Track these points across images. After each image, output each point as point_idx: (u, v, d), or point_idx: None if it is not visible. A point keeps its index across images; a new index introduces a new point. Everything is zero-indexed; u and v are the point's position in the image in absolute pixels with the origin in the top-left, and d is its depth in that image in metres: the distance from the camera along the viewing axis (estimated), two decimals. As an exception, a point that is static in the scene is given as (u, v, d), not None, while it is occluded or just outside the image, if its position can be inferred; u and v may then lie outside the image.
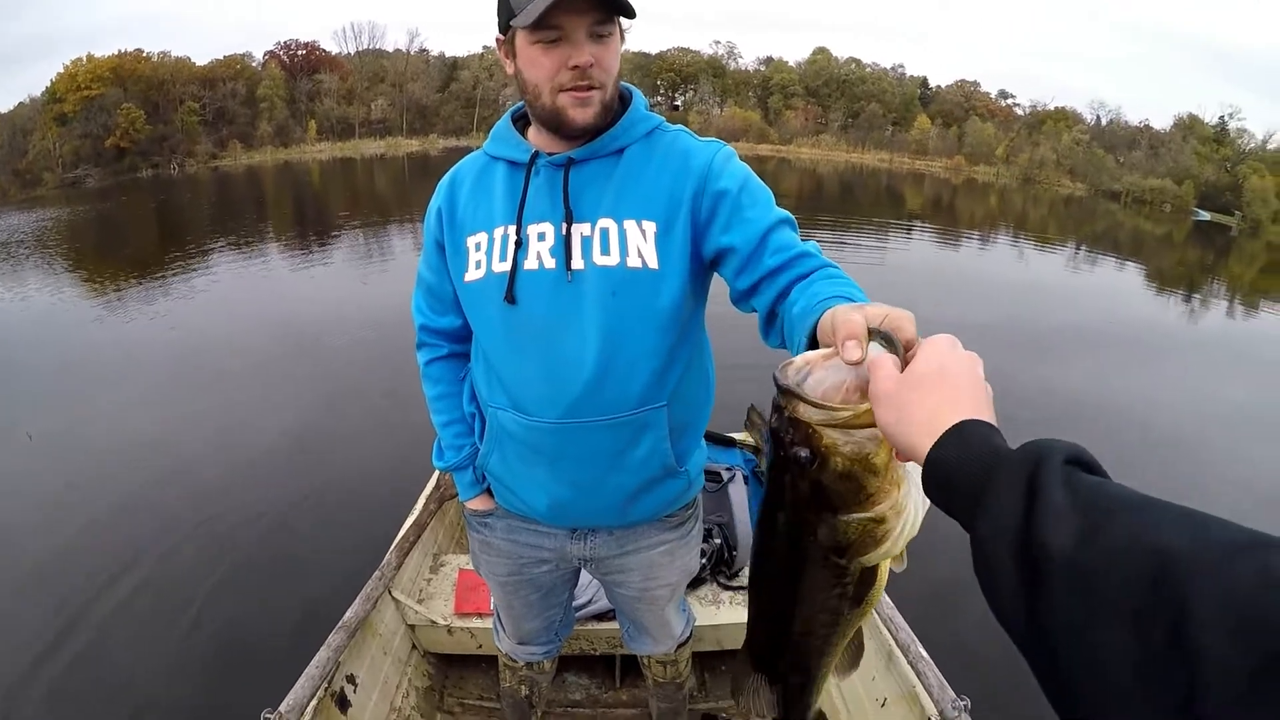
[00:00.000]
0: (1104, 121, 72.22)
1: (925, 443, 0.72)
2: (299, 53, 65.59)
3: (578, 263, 1.51)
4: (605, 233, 1.51)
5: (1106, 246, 28.47)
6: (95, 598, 4.43)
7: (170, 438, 6.63)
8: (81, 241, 20.70)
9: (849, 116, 75.90)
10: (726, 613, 3.01)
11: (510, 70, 1.51)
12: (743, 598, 3.06)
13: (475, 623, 2.98)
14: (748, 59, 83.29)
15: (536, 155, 1.55)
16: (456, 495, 2.09)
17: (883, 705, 2.64)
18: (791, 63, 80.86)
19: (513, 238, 1.55)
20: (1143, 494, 0.56)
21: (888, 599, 2.68)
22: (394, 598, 3.01)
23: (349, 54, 68.99)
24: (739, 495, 3.35)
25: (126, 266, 14.86)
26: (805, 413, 0.82)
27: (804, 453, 0.82)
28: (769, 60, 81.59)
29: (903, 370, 0.79)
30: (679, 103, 78.52)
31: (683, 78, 79.11)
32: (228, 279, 13.61)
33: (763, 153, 65.12)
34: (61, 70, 51.89)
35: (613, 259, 1.51)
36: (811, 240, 1.42)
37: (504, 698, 2.60)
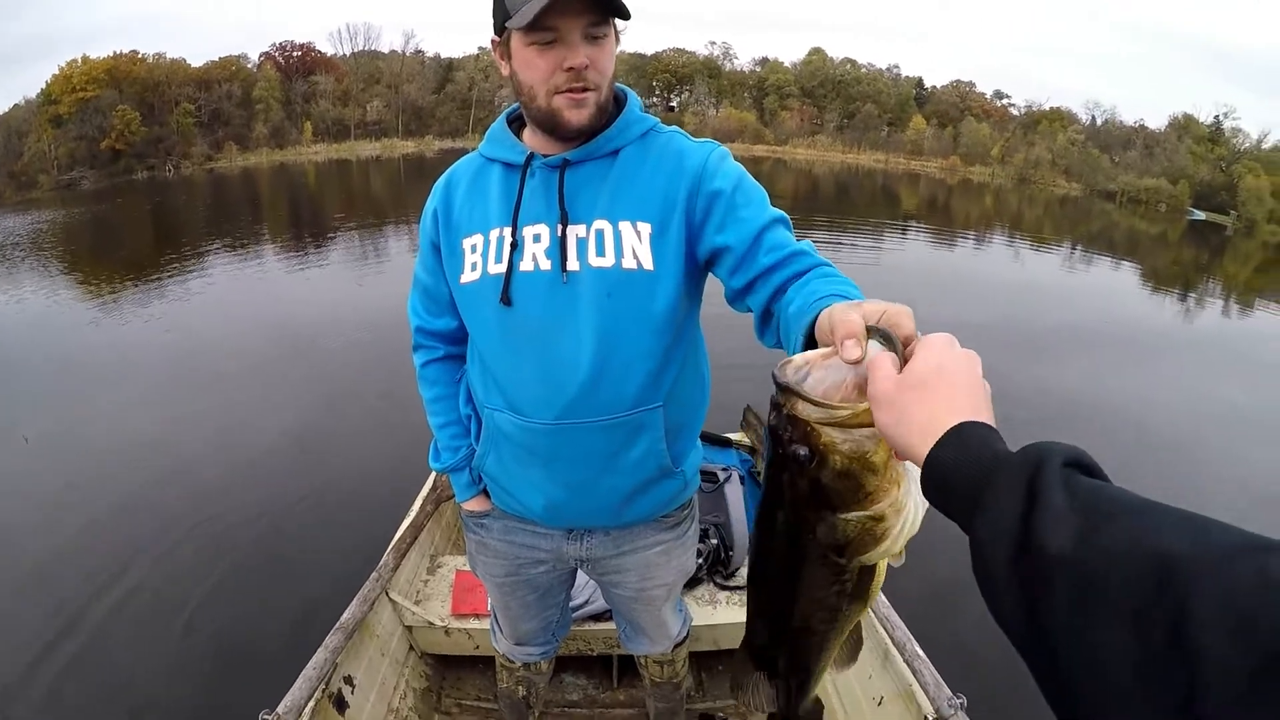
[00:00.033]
0: (1099, 121, 72.38)
1: (923, 444, 0.72)
2: (294, 54, 65.56)
3: (573, 264, 1.52)
4: (600, 234, 1.52)
5: (1102, 246, 28.49)
6: (94, 598, 4.43)
7: (167, 439, 6.63)
8: (77, 244, 20.67)
9: (844, 117, 75.94)
10: (723, 612, 3.01)
11: (505, 72, 1.51)
12: (739, 598, 3.07)
13: (472, 624, 2.98)
14: (743, 60, 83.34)
15: (532, 157, 1.56)
16: (453, 496, 2.09)
17: (879, 704, 2.65)
18: (787, 63, 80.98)
19: (508, 239, 1.56)
20: (1142, 497, 0.57)
21: (883, 598, 2.68)
22: (391, 599, 3.01)
23: (344, 55, 68.85)
24: (735, 495, 3.35)
25: (122, 269, 14.83)
26: (804, 411, 0.82)
27: (803, 451, 0.82)
28: (764, 61, 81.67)
29: (902, 368, 0.79)
30: (674, 103, 78.59)
31: (678, 78, 79.12)
32: (223, 281, 13.60)
33: (758, 153, 65.10)
34: (57, 72, 51.89)
35: (608, 260, 1.51)
36: (806, 239, 1.42)
37: (501, 698, 2.60)
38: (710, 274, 1.59)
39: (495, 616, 2.31)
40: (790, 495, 0.87)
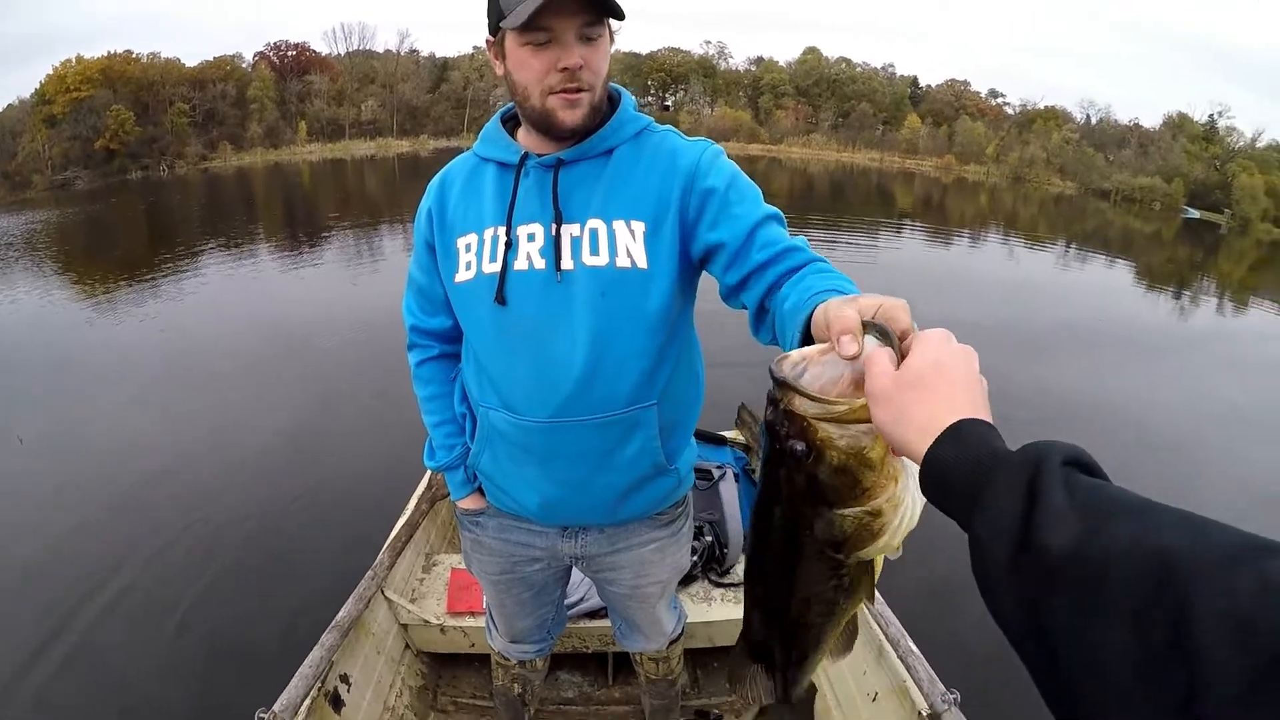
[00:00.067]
0: (1094, 120, 72.43)
1: (921, 442, 0.72)
2: (289, 54, 65.44)
3: (567, 263, 1.52)
4: (594, 233, 1.52)
5: (1096, 245, 28.54)
6: (87, 598, 4.43)
7: (162, 439, 6.63)
8: (71, 244, 20.61)
9: (839, 116, 75.88)
10: (718, 609, 3.02)
11: (500, 71, 1.52)
12: (734, 595, 3.08)
13: (468, 621, 2.99)
14: (738, 59, 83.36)
15: (526, 156, 1.56)
16: (448, 495, 2.10)
17: (874, 700, 2.66)
18: (782, 63, 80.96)
19: (502, 239, 1.56)
20: (1141, 496, 0.57)
21: (877, 594, 2.69)
22: (387, 597, 3.02)
23: (339, 55, 68.75)
24: (730, 493, 3.36)
25: (116, 269, 14.79)
26: (801, 406, 0.82)
27: (799, 446, 0.82)
28: (759, 60, 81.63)
29: (899, 363, 0.78)
30: (669, 103, 78.52)
31: (673, 78, 79.05)
32: (218, 281, 13.58)
33: (753, 152, 65.07)
34: (51, 71, 51.74)
35: (602, 259, 1.52)
36: (800, 235, 1.42)
37: (497, 696, 2.61)
38: (705, 272, 1.59)
39: (490, 614, 2.32)
40: (787, 491, 0.87)
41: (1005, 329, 10.79)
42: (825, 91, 77.42)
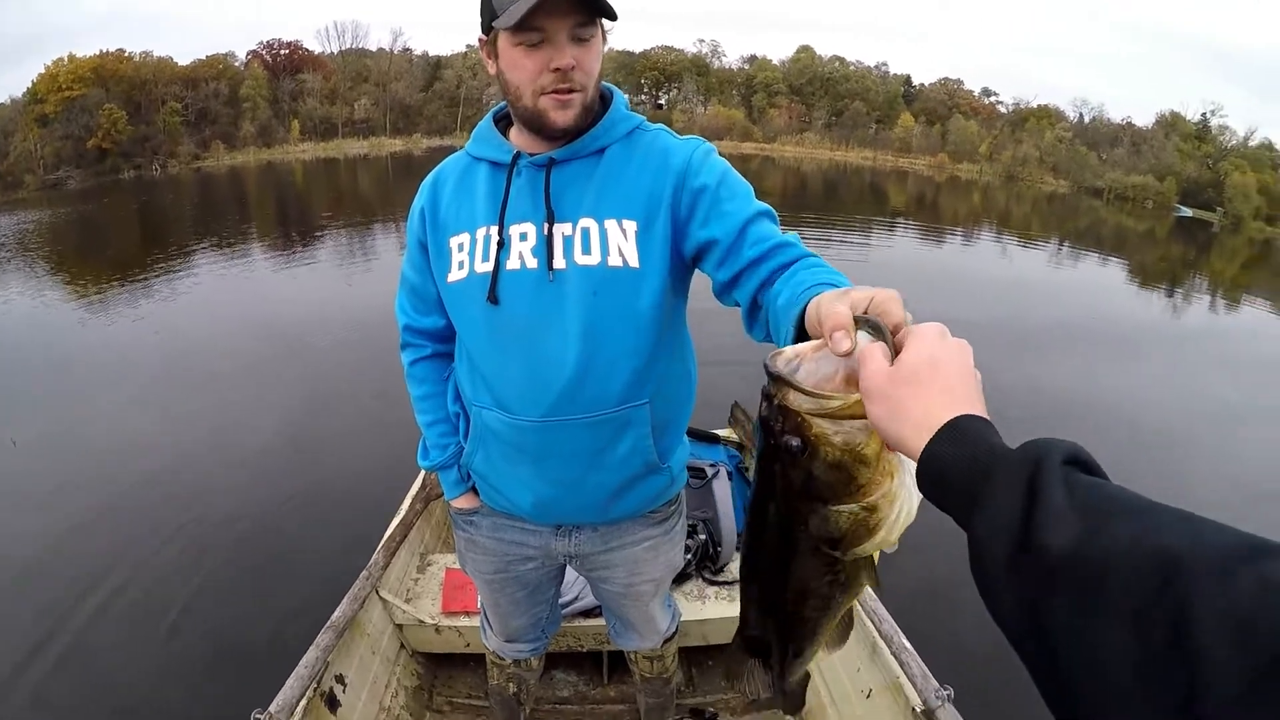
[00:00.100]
0: (1087, 119, 72.59)
1: (918, 438, 0.72)
2: (282, 52, 65.19)
3: (559, 262, 1.53)
4: (586, 232, 1.53)
5: (1089, 243, 28.62)
6: (83, 598, 4.43)
7: (157, 439, 6.62)
8: (64, 244, 20.54)
9: (833, 115, 75.92)
10: (712, 608, 3.03)
11: (492, 70, 1.52)
12: (728, 593, 3.08)
13: (463, 621, 2.99)
14: (731, 58, 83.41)
15: (518, 156, 1.57)
16: (442, 495, 2.10)
17: (868, 696, 2.67)
18: (775, 61, 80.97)
19: (495, 238, 1.56)
20: (1141, 495, 0.57)
21: (870, 592, 2.70)
22: (381, 597, 3.02)
23: (332, 53, 68.52)
24: (723, 492, 3.36)
25: (109, 269, 14.74)
26: (795, 401, 0.82)
27: (794, 442, 0.82)
28: (753, 59, 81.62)
29: (894, 357, 0.78)
30: (663, 101, 78.51)
31: (667, 76, 79.04)
32: (211, 281, 13.54)
33: (747, 151, 65.10)
34: (43, 71, 51.54)
35: (594, 258, 1.52)
36: (793, 232, 1.43)
37: (492, 695, 2.61)
38: (698, 270, 1.59)
39: (485, 614, 2.33)
40: (782, 486, 0.87)
41: (998, 327, 10.81)
42: (819, 90, 77.43)
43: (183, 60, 59.62)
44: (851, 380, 0.81)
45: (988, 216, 35.31)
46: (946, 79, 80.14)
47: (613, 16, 1.44)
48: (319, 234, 19.95)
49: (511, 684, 2.52)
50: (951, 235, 26.28)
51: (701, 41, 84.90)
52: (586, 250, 1.52)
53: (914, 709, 2.39)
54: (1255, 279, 26.51)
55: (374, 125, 66.02)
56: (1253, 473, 6.89)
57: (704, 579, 3.15)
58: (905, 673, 2.46)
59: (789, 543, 0.91)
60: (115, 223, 25.47)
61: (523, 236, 1.55)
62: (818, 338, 0.87)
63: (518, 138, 1.60)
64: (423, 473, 3.61)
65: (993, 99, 78.31)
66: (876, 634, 2.63)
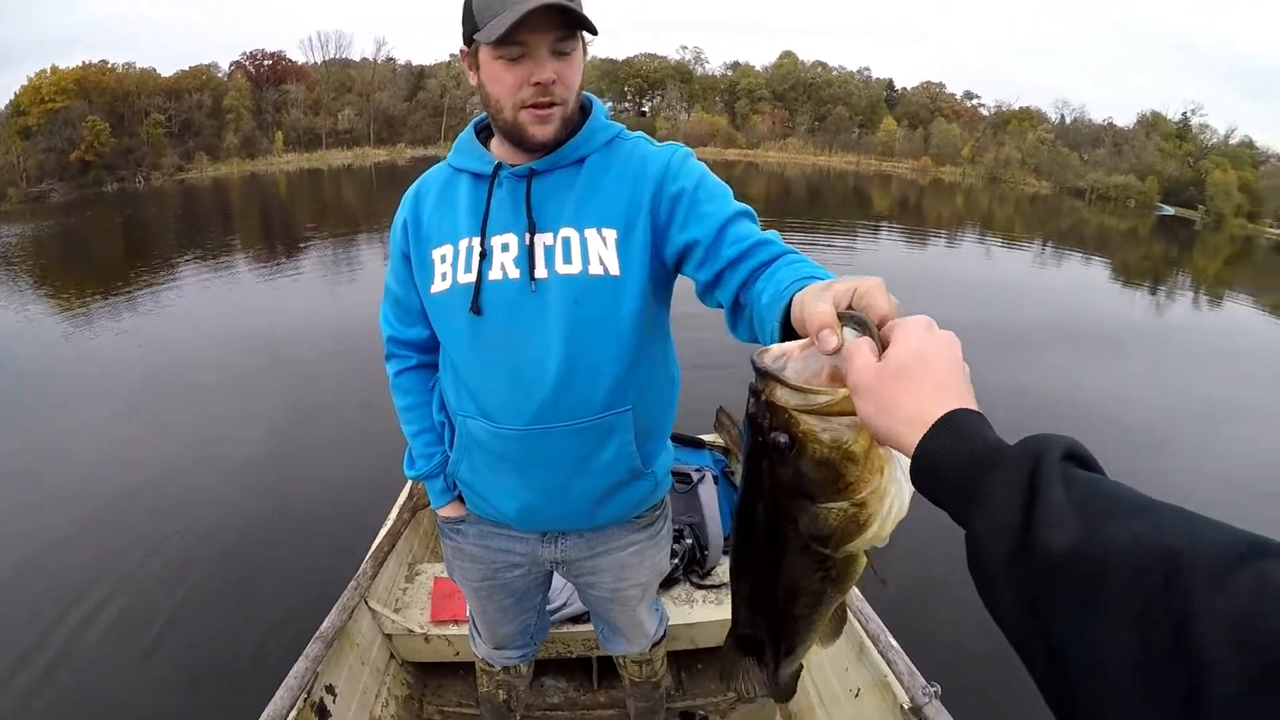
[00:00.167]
0: (1068, 120, 73.00)
1: (910, 433, 0.71)
2: (265, 63, 64.92)
3: (541, 272, 1.54)
4: (567, 242, 1.54)
5: (1072, 243, 28.78)
6: (66, 613, 4.41)
7: (140, 453, 6.60)
8: (46, 257, 20.42)
9: (815, 119, 76.07)
10: (700, 611, 3.04)
11: (474, 82, 1.52)
12: (716, 597, 3.10)
13: (452, 630, 3.00)
14: (715, 64, 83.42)
15: (499, 167, 1.58)
16: (430, 504, 2.11)
17: (856, 695, 2.69)
18: (758, 67, 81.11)
19: (477, 249, 1.57)
20: (1139, 492, 0.57)
21: (857, 591, 2.72)
22: (370, 607, 3.02)
23: (316, 64, 68.28)
24: (709, 496, 3.38)
25: (93, 282, 14.66)
26: (783, 397, 0.81)
27: (782, 439, 0.81)
28: (736, 65, 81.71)
29: (881, 350, 0.77)
30: (646, 109, 78.54)
31: (650, 83, 79.06)
32: (195, 294, 13.49)
33: (730, 157, 65.20)
34: (25, 83, 51.22)
35: (575, 267, 1.53)
36: (773, 230, 1.43)
37: (482, 703, 2.62)
38: (681, 274, 1.60)
39: (474, 621, 2.33)
40: (770, 484, 0.86)
41: (983, 328, 10.83)
42: (801, 95, 77.57)
43: (166, 71, 59.36)
44: (839, 377, 0.80)
45: (971, 219, 35.47)
46: (929, 82, 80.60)
47: (594, 31, 1.45)
48: (303, 245, 19.85)
49: (501, 691, 2.52)
50: (935, 238, 26.39)
51: (684, 48, 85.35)
52: (568, 259, 1.53)
53: (902, 706, 2.40)
54: (1237, 275, 26.75)
55: (358, 135, 65.80)
56: (1236, 470, 6.93)
57: (691, 583, 3.17)
58: (892, 671, 2.47)
59: (778, 540, 0.90)
60: (99, 235, 25.33)
61: (504, 247, 1.56)
62: (804, 336, 0.86)
63: (499, 149, 1.61)
64: (410, 482, 3.60)
65: (975, 102, 78.86)
66: (864, 633, 2.64)
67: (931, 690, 2.30)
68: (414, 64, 74.28)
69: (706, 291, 1.47)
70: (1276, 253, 40.78)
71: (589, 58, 1.54)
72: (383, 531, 3.32)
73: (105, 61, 54.96)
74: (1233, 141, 64.17)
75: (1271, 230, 52.38)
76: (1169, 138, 65.18)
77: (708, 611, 3.04)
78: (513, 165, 1.57)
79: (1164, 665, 0.47)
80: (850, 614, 2.67)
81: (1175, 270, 25.57)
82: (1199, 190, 57.28)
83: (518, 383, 1.59)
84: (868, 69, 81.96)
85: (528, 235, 1.54)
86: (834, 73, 79.68)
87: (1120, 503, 0.55)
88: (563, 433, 1.63)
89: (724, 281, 1.40)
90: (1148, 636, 0.48)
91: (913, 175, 63.16)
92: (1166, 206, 56.69)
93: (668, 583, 3.12)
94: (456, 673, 3.24)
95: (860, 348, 0.77)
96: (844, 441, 0.80)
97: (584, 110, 1.61)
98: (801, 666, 1.26)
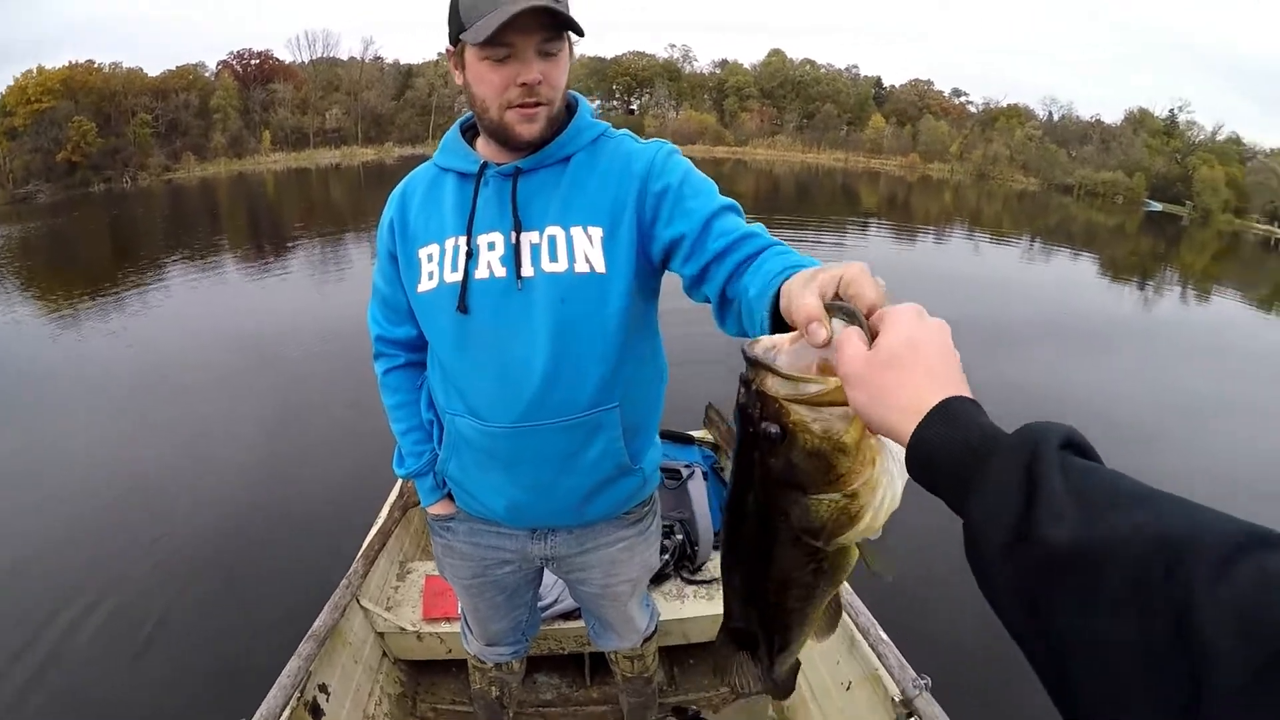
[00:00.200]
0: (1056, 117, 73.19)
1: (904, 422, 0.70)
2: (252, 62, 64.52)
3: (527, 270, 1.55)
4: (553, 240, 1.54)
5: (1060, 239, 28.91)
6: (56, 614, 4.41)
7: (130, 453, 6.59)
8: (34, 259, 20.28)
9: (804, 117, 76.00)
10: (691, 606, 3.06)
11: (459, 81, 1.53)
12: (707, 592, 3.12)
13: (444, 627, 3.00)
14: (703, 62, 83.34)
15: (485, 166, 1.58)
16: (420, 502, 2.12)
17: (848, 689, 2.70)
18: (746, 65, 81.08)
19: (463, 248, 1.58)
20: (1138, 481, 0.56)
21: (846, 585, 2.73)
22: (362, 606, 3.02)
23: (303, 63, 67.91)
24: (699, 492, 3.38)
25: (81, 283, 14.55)
26: (773, 387, 0.80)
27: (773, 429, 0.80)
28: (724, 63, 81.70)
29: (872, 339, 0.77)
30: (635, 107, 78.47)
31: (638, 81, 78.99)
32: (184, 294, 13.45)
33: (719, 155, 65.15)
34: (11, 83, 50.85)
35: (561, 265, 1.54)
36: (758, 223, 1.44)
37: (475, 700, 2.62)
38: (668, 270, 1.60)
39: (465, 619, 2.34)
40: (761, 476, 0.85)
41: (971, 324, 10.82)
42: (790, 93, 77.57)
43: (152, 71, 58.91)
44: (829, 369, 0.79)
45: (959, 215, 35.59)
46: (917, 80, 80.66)
47: (580, 33, 1.46)
48: (291, 245, 19.80)
49: (494, 688, 2.52)
50: (924, 234, 26.47)
51: (673, 46, 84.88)
52: (554, 258, 1.54)
53: (893, 699, 2.42)
54: (1224, 271, 26.90)
55: (346, 134, 65.48)
56: (1224, 464, 6.98)
57: (682, 578, 3.18)
58: (883, 664, 2.49)
59: (769, 533, 0.89)
60: (86, 236, 25.18)
61: (491, 246, 1.57)
62: (794, 329, 0.85)
63: (484, 148, 1.62)
64: (400, 481, 3.60)
65: (963, 99, 78.88)
66: (854, 627, 2.66)
67: (922, 682, 2.31)
68: (402, 63, 73.92)
69: (693, 286, 1.48)
70: (1263, 248, 41.03)
71: (577, 57, 1.55)
72: (373, 530, 3.32)
73: (92, 61, 54.54)
74: (1220, 138, 64.55)
75: (1258, 226, 52.78)
76: (1156, 134, 65.52)
77: (699, 606, 3.06)
78: (498, 164, 1.57)
79: (1167, 655, 0.47)
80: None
81: (1163, 266, 25.70)
82: (1186, 186, 57.59)
83: (505, 381, 1.60)
84: (855, 67, 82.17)
85: (514, 234, 1.55)
86: (822, 70, 79.73)
87: (1119, 492, 0.55)
88: (550, 430, 1.63)
89: (710, 276, 1.41)
90: (1149, 627, 0.48)
91: (901, 172, 63.25)
92: (1154, 202, 56.95)
93: (658, 578, 3.14)
94: (449, 670, 3.24)
95: (850, 337, 0.77)
96: (835, 432, 0.79)
97: (569, 109, 1.62)
98: (799, 663, 1.25)
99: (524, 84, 1.43)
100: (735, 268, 1.34)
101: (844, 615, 2.59)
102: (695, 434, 4.18)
